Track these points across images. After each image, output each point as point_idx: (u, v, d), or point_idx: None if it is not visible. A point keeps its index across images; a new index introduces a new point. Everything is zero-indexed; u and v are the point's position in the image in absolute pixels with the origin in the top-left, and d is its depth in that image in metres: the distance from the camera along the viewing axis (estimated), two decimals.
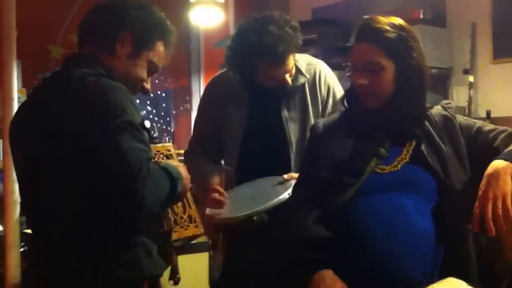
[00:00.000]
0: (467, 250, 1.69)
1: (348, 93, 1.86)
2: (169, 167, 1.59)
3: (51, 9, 4.45)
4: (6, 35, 3.33)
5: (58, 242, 1.58)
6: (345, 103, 1.89)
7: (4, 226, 3.75)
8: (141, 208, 1.47)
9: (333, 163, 1.76)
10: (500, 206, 1.57)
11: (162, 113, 6.01)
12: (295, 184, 1.94)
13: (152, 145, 1.75)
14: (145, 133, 1.56)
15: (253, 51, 2.13)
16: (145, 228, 1.62)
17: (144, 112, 6.53)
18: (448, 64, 4.05)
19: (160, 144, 1.97)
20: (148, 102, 6.20)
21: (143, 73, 1.72)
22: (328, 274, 1.65)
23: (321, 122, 1.92)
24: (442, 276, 1.62)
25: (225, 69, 2.38)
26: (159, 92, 6.37)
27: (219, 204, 2.19)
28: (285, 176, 2.18)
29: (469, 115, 3.84)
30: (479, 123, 1.83)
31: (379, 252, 1.64)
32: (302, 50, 4.63)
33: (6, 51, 3.31)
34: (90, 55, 1.65)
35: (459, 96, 4.04)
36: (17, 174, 1.70)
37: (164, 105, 6.12)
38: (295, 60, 2.31)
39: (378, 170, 1.74)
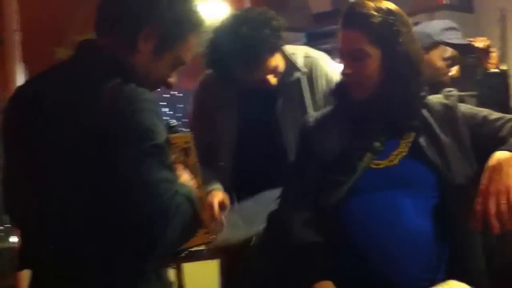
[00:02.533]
0: (473, 249, 1.59)
1: (337, 85, 1.78)
2: (193, 198, 1.42)
3: (58, 11, 4.36)
4: (8, 36, 3.27)
5: (65, 264, 1.41)
6: (335, 95, 1.80)
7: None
8: (155, 249, 1.32)
9: (325, 159, 1.66)
10: (504, 201, 1.45)
11: (180, 114, 5.92)
12: (284, 183, 1.84)
13: (170, 136, 1.52)
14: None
15: (224, 54, 2.05)
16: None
17: None
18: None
19: (177, 135, 1.66)
20: (165, 103, 6.12)
21: (167, 70, 1.52)
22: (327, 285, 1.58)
23: (312, 116, 1.85)
24: (447, 278, 1.53)
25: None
26: (171, 92, 6.28)
27: (213, 223, 2.06)
28: None
29: None
30: (485, 111, 1.70)
31: (375, 255, 1.55)
32: (321, 43, 4.57)
33: (8, 53, 3.26)
34: (109, 50, 1.44)
35: None
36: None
37: (182, 106, 6.04)
38: (289, 54, 2.21)
39: (373, 166, 1.64)
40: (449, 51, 2.46)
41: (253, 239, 1.93)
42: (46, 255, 1.44)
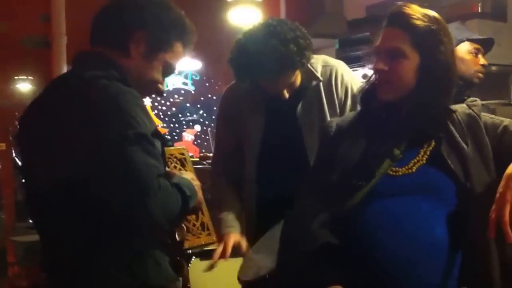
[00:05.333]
0: (488, 259, 1.55)
1: (366, 86, 1.76)
2: (182, 183, 1.55)
3: None
4: (55, 40, 3.38)
5: (61, 248, 1.56)
6: (361, 99, 1.77)
7: None
8: (148, 225, 1.47)
9: (343, 164, 1.67)
10: None
11: (214, 117, 6.02)
12: (303, 186, 1.81)
13: (165, 148, 1.72)
14: (158, 141, 1.52)
15: (248, 61, 2.11)
16: (156, 239, 1.59)
17: (195, 116, 6.53)
18: (510, 60, 3.85)
19: (173, 147, 1.88)
20: (199, 106, 6.23)
21: (158, 75, 1.66)
22: None
23: (335, 121, 1.84)
24: (460, 286, 1.52)
25: None
26: (210, 96, 6.35)
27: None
28: None
29: None
30: (506, 121, 1.68)
31: (387, 260, 1.54)
32: (353, 49, 4.62)
33: (55, 56, 3.37)
34: (104, 55, 1.57)
35: None
36: (24, 177, 1.66)
37: (215, 108, 6.14)
38: (309, 63, 2.26)
39: (391, 173, 1.64)
40: (472, 45, 2.56)
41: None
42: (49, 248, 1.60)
